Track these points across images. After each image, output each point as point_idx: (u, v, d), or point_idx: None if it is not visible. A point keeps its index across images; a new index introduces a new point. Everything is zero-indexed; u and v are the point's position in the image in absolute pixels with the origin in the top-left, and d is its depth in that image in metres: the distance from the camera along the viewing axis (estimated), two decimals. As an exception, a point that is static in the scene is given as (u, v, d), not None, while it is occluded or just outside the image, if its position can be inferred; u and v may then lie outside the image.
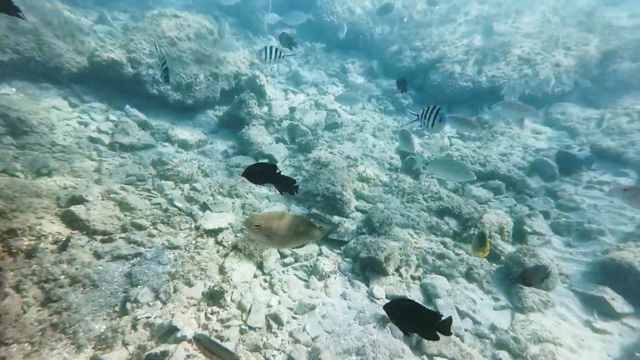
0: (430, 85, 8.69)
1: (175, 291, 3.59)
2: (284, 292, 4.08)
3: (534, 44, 8.28)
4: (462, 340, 3.90)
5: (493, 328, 4.14)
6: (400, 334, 3.97)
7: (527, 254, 4.69)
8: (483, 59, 8.38)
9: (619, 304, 4.19)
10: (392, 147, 7.71)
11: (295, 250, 4.78)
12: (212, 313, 3.47)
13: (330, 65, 9.59)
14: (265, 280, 4.10)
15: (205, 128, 6.79)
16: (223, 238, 4.26)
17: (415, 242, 5.38)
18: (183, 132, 6.35)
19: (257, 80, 7.60)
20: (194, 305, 3.52)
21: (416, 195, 6.25)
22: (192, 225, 4.43)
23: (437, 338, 2.08)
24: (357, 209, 5.90)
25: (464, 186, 6.65)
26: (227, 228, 4.49)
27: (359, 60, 9.82)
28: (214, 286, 3.60)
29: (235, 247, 4.19)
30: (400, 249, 4.98)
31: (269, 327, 3.54)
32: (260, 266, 4.26)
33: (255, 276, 4.10)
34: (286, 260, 4.60)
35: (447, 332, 2.02)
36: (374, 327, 3.99)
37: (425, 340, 3.79)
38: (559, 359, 3.65)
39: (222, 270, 3.92)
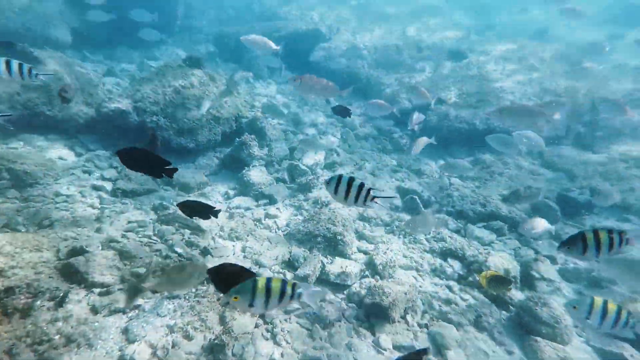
0: (427, 126, 8.92)
1: (173, 346, 3.38)
2: (287, 342, 3.87)
3: (526, 89, 8.66)
4: (477, 400, 3.67)
5: (508, 385, 3.91)
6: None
7: (538, 302, 4.55)
8: (477, 104, 8.70)
9: (640, 360, 4.01)
10: (391, 185, 7.75)
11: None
12: (212, 372, 3.26)
13: (328, 106, 9.89)
14: (267, 330, 3.90)
15: (206, 170, 6.81)
16: (224, 286, 4.11)
17: (420, 286, 5.23)
18: (184, 175, 6.35)
19: (258, 122, 7.76)
20: (193, 363, 3.31)
21: (419, 236, 6.19)
22: (192, 273, 4.29)
23: None
24: (359, 249, 5.80)
25: (466, 227, 6.62)
26: (228, 274, 4.35)
27: (356, 102, 10.15)
28: (214, 339, 3.40)
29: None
30: (406, 293, 4.83)
31: (272, 386, 3.31)
32: (261, 315, 4.08)
33: (256, 326, 3.90)
34: (289, 308, 4.42)
35: None
36: (382, 384, 3.75)
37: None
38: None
39: (222, 320, 3.73)
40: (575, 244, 2.57)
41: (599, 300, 2.41)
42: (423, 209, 7.19)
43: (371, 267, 5.33)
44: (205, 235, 5.04)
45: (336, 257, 5.44)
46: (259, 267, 4.82)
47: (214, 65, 11.82)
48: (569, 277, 5.49)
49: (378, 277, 5.19)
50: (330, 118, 9.75)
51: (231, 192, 6.47)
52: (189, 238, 4.88)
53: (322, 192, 6.97)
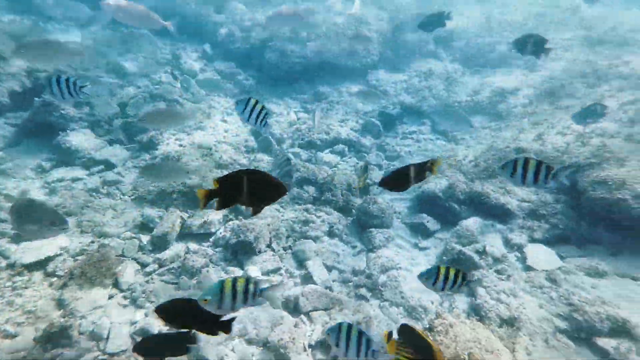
0: (268, 64, 8.95)
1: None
2: (151, 302, 3.77)
3: (345, 19, 9.46)
4: (332, 290, 4.45)
5: (354, 272, 4.84)
6: (279, 303, 4.24)
7: (370, 202, 5.57)
8: (308, 36, 9.09)
9: (432, 224, 5.48)
10: (245, 129, 7.74)
11: (157, 256, 4.44)
12: (53, 357, 2.93)
13: (158, 52, 8.73)
14: (125, 297, 3.69)
15: (-1, 143, 5.34)
16: (56, 267, 3.58)
17: (282, 215, 5.68)
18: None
19: (64, 76, 6.31)
20: (23, 358, 2.90)
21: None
22: (3, 265, 3.54)
23: (217, 334, 2.27)
24: (220, 197, 5.81)
25: (315, 155, 7.30)
26: (61, 254, 3.78)
27: (190, 46, 9.25)
28: (49, 326, 3.02)
29: (76, 274, 3.58)
30: (269, 225, 5.21)
31: (137, 345, 3.24)
32: (115, 284, 3.79)
33: (110, 297, 3.64)
34: (148, 269, 4.23)
35: (228, 330, 2.25)
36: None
37: (301, 300, 4.16)
38: (399, 279, 4.59)
39: (61, 304, 3.32)
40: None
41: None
42: (276, 146, 7.54)
43: (235, 210, 5.45)
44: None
45: (197, 210, 5.34)
46: (105, 238, 4.34)
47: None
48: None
49: (242, 218, 5.38)
50: (164, 65, 8.69)
51: (46, 165, 5.34)
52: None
53: (170, 147, 6.46)
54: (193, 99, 8.17)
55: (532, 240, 4.87)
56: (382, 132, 7.88)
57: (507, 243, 4.93)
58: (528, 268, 4.61)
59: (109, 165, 5.70)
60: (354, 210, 5.83)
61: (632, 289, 4.29)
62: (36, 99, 5.67)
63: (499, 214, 5.26)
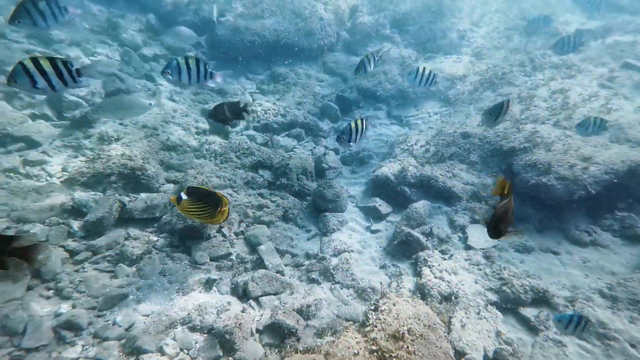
0: (219, 40, 8.43)
1: None
2: (81, 292, 3.42)
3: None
4: (283, 274, 4.36)
5: (307, 256, 4.79)
6: (227, 289, 4.08)
7: (325, 186, 5.51)
8: (261, 14, 8.67)
9: (384, 207, 5.57)
10: (195, 110, 7.28)
11: (91, 242, 4.03)
12: (-44, 358, 2.56)
13: (94, 21, 7.81)
14: (47, 288, 3.31)
15: None
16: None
17: (235, 200, 5.45)
18: None
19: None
20: None
21: (228, 155, 6.23)
22: None
23: None
24: (167, 180, 5.43)
25: (272, 138, 7.07)
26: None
27: (130, 14, 8.41)
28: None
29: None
30: (219, 209, 4.96)
31: (60, 339, 2.93)
32: (37, 274, 3.38)
33: (30, 288, 3.23)
34: (79, 257, 3.84)
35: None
36: (200, 292, 3.93)
37: (251, 285, 4.03)
38: (351, 262, 4.62)
39: (-31, 298, 2.89)
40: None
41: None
42: (231, 128, 7.18)
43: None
44: None
45: (141, 193, 4.94)
46: (24, 224, 3.84)
47: None
48: (347, 161, 6.86)
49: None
50: (99, 35, 7.82)
51: (-51, 142, 4.60)
52: None
53: (108, 127, 5.87)
54: (136, 74, 7.49)
55: (474, 221, 5.14)
56: (339, 117, 7.81)
57: (452, 224, 5.16)
58: (468, 247, 4.87)
59: (31, 143, 5.05)
60: (308, 195, 5.74)
61: (552, 262, 4.74)
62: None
63: (445, 197, 5.47)
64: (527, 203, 5.25)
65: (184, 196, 2.80)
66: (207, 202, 2.86)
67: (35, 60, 2.64)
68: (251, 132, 7.23)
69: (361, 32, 9.85)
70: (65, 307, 3.14)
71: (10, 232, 3.59)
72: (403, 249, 4.79)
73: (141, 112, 4.33)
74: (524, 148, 5.39)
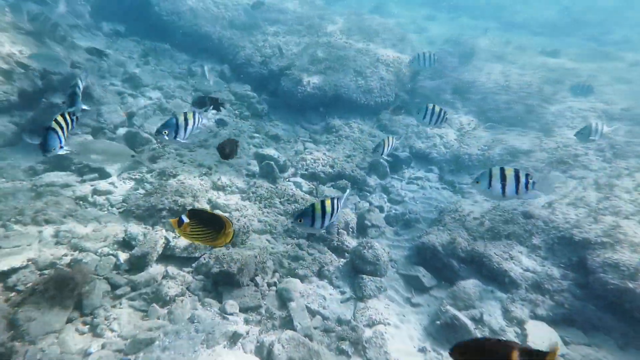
0: (282, 91, 9.00)
1: None
2: (113, 331, 3.47)
3: (364, 60, 9.59)
4: (311, 339, 4.09)
5: (339, 321, 4.49)
6: (251, 347, 3.90)
7: (366, 246, 5.28)
8: (325, 70, 9.18)
9: (428, 279, 5.14)
10: (249, 152, 7.63)
11: (132, 277, 4.16)
12: (-14, 389, 2.64)
13: (175, 67, 8.85)
14: (84, 323, 3.40)
15: (-2, 140, 5.27)
16: (18, 280, 3.33)
17: (272, 248, 5.42)
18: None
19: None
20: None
21: (273, 200, 6.32)
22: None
23: None
24: (213, 219, 5.60)
25: (317, 188, 7.11)
26: (27, 266, 3.54)
27: (208, 64, 9.40)
28: (-6, 350, 2.74)
29: (38, 290, 3.32)
30: (256, 257, 4.93)
31: (84, 383, 2.93)
32: (78, 305, 3.51)
33: (70, 320, 3.35)
34: (119, 292, 3.95)
35: None
36: (224, 347, 3.80)
37: (276, 348, 3.81)
38: (386, 337, 4.22)
39: (14, 323, 3.04)
40: None
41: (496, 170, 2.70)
42: (279, 173, 7.37)
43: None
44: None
45: (185, 230, 5.12)
46: (79, 252, 4.10)
47: None
48: (391, 222, 6.58)
49: (230, 245, 5.12)
50: (180, 80, 8.78)
51: (39, 167, 5.22)
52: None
53: (169, 163, 6.35)
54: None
55: (535, 316, 4.48)
56: (388, 174, 7.69)
57: (507, 314, 4.54)
58: (527, 348, 4.19)
59: (103, 174, 5.57)
60: (347, 253, 5.54)
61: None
62: (43, 99, 5.66)
63: (500, 281, 4.90)
64: (605, 310, 4.46)
65: (185, 219, 2.61)
66: (209, 225, 2.69)
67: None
68: (298, 179, 7.34)
69: (421, 95, 9.97)
70: (95, 347, 3.18)
71: (67, 259, 3.84)
72: (447, 333, 4.29)
73: (122, 160, 4.54)
74: (602, 243, 4.70)
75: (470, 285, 4.71)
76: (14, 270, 3.41)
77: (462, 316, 4.33)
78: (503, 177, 2.61)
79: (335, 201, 3.13)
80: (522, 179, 2.58)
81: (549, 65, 11.76)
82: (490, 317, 4.41)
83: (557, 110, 9.41)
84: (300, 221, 3.10)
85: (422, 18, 20.02)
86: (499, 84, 10.43)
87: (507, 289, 4.82)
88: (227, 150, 3.77)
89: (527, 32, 18.66)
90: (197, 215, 2.68)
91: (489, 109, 9.74)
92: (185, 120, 3.38)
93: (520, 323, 4.44)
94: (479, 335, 4.21)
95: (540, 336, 4.18)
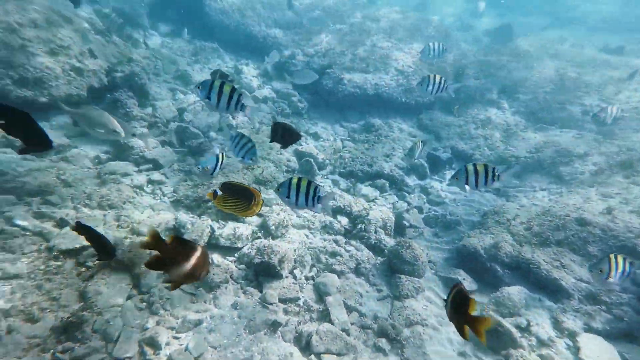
0: (323, 89, 9.08)
1: (9, 332, 2.93)
2: (166, 310, 3.73)
3: (407, 58, 9.43)
4: (348, 334, 4.14)
5: (375, 318, 4.50)
6: (290, 337, 4.02)
7: (404, 246, 5.23)
8: (367, 68, 9.14)
9: (468, 283, 4.99)
10: (289, 148, 7.79)
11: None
12: (64, 351, 2.94)
13: (222, 65, 9.24)
14: (142, 300, 3.68)
15: (68, 131, 5.80)
16: (87, 258, 3.68)
17: (310, 242, 5.52)
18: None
19: (137, 78, 6.85)
20: (38, 345, 2.93)
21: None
22: (43, 247, 3.71)
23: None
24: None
25: (355, 186, 7.13)
26: (94, 246, 3.89)
27: (253, 62, 9.70)
28: (68, 317, 3.06)
29: (104, 267, 3.66)
30: (295, 250, 5.06)
31: (142, 354, 3.17)
32: (137, 285, 3.81)
33: (129, 297, 3.65)
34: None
35: None
36: (265, 334, 3.95)
37: (314, 339, 3.91)
38: (424, 337, 4.16)
39: (84, 296, 3.37)
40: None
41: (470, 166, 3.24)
42: (318, 171, 7.48)
43: (264, 229, 5.39)
44: (64, 204, 4.37)
45: (229, 222, 5.35)
46: (137, 236, 4.45)
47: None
48: (430, 223, 6.45)
49: (270, 238, 5.29)
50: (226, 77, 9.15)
51: (103, 157, 5.70)
52: (38, 208, 4.17)
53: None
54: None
55: (589, 328, 4.21)
56: (428, 174, 7.54)
57: (557, 325, 4.31)
58: (580, 362, 3.96)
59: (156, 165, 5.96)
60: (385, 251, 5.52)
61: None
62: (108, 95, 6.16)
63: (549, 289, 4.65)
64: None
65: (219, 192, 2.94)
66: (241, 196, 2.97)
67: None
68: (336, 177, 7.39)
69: (465, 94, 9.64)
70: (151, 323, 3.45)
71: (127, 242, 4.18)
72: (490, 340, 4.15)
73: (105, 135, 4.42)
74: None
75: (515, 291, 4.52)
76: (84, 248, 3.77)
77: (507, 323, 4.17)
78: (476, 173, 3.14)
79: (313, 185, 3.16)
80: (490, 174, 3.17)
81: (612, 63, 10.87)
82: (539, 327, 4.20)
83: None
84: (279, 190, 3.32)
85: (467, 14, 19.27)
86: (552, 82, 9.82)
87: (558, 299, 4.57)
88: (280, 133, 3.82)
89: (585, 29, 17.39)
90: (230, 189, 2.97)
91: (539, 109, 9.22)
92: (221, 87, 3.15)
93: (572, 335, 4.19)
94: (525, 344, 4.03)
95: (595, 350, 3.93)
